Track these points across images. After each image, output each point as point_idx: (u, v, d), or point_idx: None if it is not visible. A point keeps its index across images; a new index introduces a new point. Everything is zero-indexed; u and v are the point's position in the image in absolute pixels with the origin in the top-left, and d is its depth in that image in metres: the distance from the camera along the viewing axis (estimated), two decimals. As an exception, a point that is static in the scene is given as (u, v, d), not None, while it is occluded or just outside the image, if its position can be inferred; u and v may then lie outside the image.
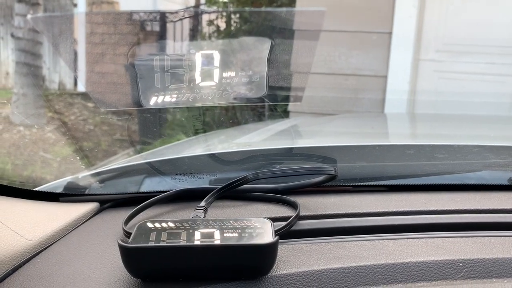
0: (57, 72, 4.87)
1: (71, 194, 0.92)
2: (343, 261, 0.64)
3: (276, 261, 0.62)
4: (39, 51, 4.06)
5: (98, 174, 1.01)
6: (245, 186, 0.85)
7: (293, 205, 0.81)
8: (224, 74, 0.81)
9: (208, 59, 0.79)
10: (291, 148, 1.19)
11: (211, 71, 0.80)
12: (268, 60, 0.81)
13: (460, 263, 0.64)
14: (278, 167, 1.01)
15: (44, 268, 0.67)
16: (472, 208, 0.82)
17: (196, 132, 1.35)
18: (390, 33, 3.27)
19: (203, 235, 0.63)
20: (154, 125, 1.28)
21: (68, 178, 0.98)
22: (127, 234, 0.70)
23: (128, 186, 1.01)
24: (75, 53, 0.86)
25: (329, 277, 0.61)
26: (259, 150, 1.28)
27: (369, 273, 0.62)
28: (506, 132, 1.79)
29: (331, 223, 0.77)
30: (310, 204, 0.83)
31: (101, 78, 0.85)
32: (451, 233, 0.74)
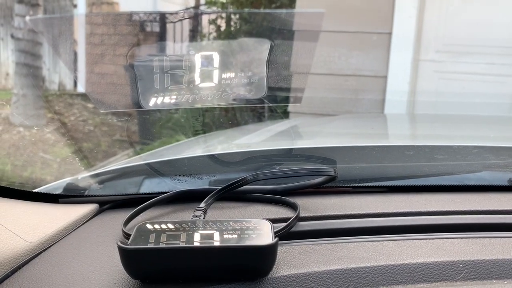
0: (57, 73, 4.87)
1: (70, 196, 0.91)
2: (343, 263, 0.64)
3: (276, 262, 0.62)
4: (39, 52, 4.06)
5: (97, 175, 1.01)
6: (244, 187, 0.85)
7: (293, 206, 0.81)
8: (224, 75, 0.80)
9: (208, 60, 0.79)
10: (291, 149, 1.19)
11: (211, 72, 0.80)
12: (268, 61, 0.81)
13: (460, 264, 0.64)
14: (277, 168, 1.01)
15: (44, 269, 0.67)
16: (472, 209, 0.82)
17: (195, 133, 1.34)
18: (390, 34, 3.27)
19: (203, 237, 0.63)
20: (153, 126, 1.28)
21: (67, 179, 0.98)
22: (127, 236, 0.70)
23: (127, 187, 1.01)
24: (75, 54, 0.86)
25: (329, 279, 0.61)
26: (258, 151, 1.28)
27: (369, 275, 0.62)
28: (506, 133, 1.79)
29: (331, 224, 0.77)
30: (309, 205, 0.83)
31: (101, 79, 0.85)
32: (451, 234, 0.74)
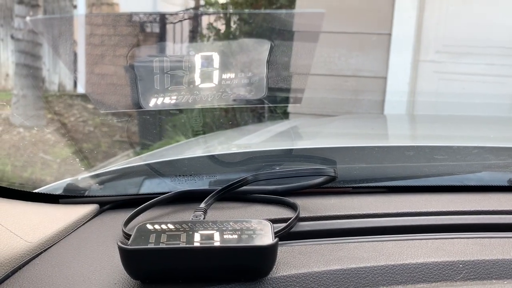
0: (57, 74, 4.87)
1: (70, 196, 0.91)
2: (343, 263, 0.64)
3: (276, 262, 0.62)
4: (39, 53, 4.06)
5: (97, 175, 1.01)
6: (244, 187, 0.85)
7: (293, 207, 0.81)
8: (224, 76, 0.81)
9: (208, 61, 0.79)
10: (291, 150, 1.19)
11: (211, 72, 0.80)
12: (268, 61, 0.81)
13: (460, 264, 0.64)
14: (277, 168, 1.01)
15: (44, 270, 0.67)
16: (472, 209, 0.82)
17: (195, 134, 1.35)
18: (390, 34, 3.27)
19: (203, 237, 0.63)
20: (153, 127, 1.28)
21: (67, 180, 0.98)
22: (127, 236, 0.70)
23: (127, 187, 1.01)
24: (75, 55, 0.86)
25: (329, 279, 0.61)
26: (258, 151, 1.28)
27: (369, 275, 0.62)
28: (506, 133, 1.79)
29: (331, 225, 0.77)
30: (309, 205, 0.83)
31: (101, 79, 0.85)
32: (451, 235, 0.74)
